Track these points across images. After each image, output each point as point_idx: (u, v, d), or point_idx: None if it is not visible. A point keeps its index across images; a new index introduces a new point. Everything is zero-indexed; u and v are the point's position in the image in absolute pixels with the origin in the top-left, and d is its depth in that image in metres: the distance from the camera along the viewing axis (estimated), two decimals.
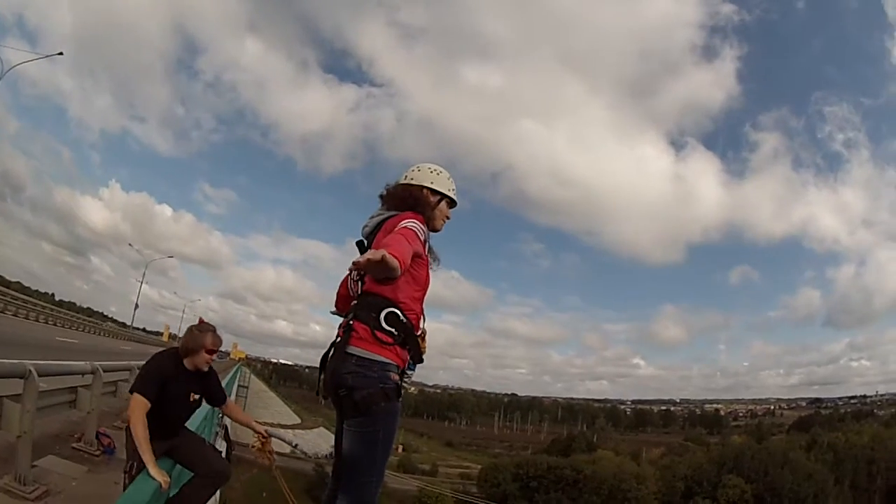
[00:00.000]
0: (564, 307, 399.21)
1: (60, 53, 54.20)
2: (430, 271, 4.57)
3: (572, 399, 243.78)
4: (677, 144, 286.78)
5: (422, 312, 4.48)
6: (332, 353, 4.31)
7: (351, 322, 4.22)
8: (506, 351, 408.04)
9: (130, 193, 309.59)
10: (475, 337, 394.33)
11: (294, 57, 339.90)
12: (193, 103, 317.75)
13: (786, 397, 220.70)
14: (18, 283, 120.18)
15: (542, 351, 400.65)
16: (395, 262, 3.25)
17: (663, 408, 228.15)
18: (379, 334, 4.13)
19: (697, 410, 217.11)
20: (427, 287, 4.48)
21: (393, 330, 4.17)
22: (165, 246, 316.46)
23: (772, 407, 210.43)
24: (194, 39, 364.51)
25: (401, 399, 4.28)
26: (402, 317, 4.21)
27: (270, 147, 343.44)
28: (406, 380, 4.43)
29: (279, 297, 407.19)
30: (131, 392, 5.34)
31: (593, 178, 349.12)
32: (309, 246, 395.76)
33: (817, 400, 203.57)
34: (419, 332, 4.41)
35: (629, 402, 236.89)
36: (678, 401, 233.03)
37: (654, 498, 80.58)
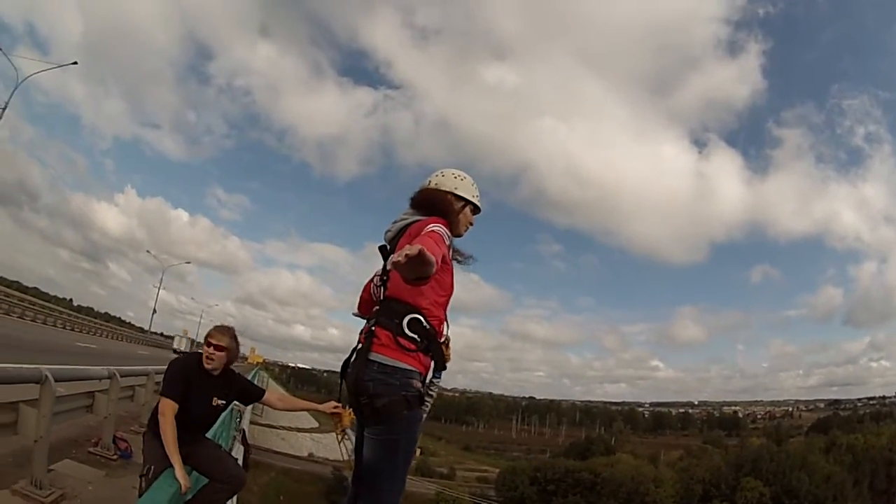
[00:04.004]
0: (580, 309, 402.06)
1: (75, 63, 53.54)
2: (461, 270, 4.54)
3: (590, 402, 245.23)
4: (699, 142, 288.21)
5: (445, 318, 4.40)
6: (353, 359, 4.26)
7: (373, 328, 4.15)
8: (524, 354, 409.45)
9: (146, 199, 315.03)
10: (493, 340, 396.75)
11: (308, 60, 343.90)
12: (205, 108, 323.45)
13: (804, 399, 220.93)
14: (36, 289, 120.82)
15: (560, 353, 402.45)
16: (433, 258, 3.10)
17: (681, 410, 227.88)
18: (402, 341, 4.06)
19: (716, 413, 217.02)
20: (451, 293, 4.41)
21: (416, 336, 4.10)
22: (182, 250, 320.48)
23: (790, 409, 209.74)
24: (205, 45, 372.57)
25: (425, 407, 4.23)
26: (425, 323, 4.14)
27: (286, 152, 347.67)
28: (433, 389, 4.37)
29: (296, 301, 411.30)
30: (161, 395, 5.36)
31: (613, 178, 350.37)
32: (325, 250, 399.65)
33: (836, 402, 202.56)
34: (443, 339, 4.33)
35: (647, 405, 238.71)
36: (696, 403, 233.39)
37: (672, 501, 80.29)
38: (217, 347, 5.49)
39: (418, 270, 3.12)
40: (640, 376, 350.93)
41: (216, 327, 5.64)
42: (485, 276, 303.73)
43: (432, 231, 3.95)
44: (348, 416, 4.95)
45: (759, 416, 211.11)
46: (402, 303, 4.15)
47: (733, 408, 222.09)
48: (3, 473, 8.01)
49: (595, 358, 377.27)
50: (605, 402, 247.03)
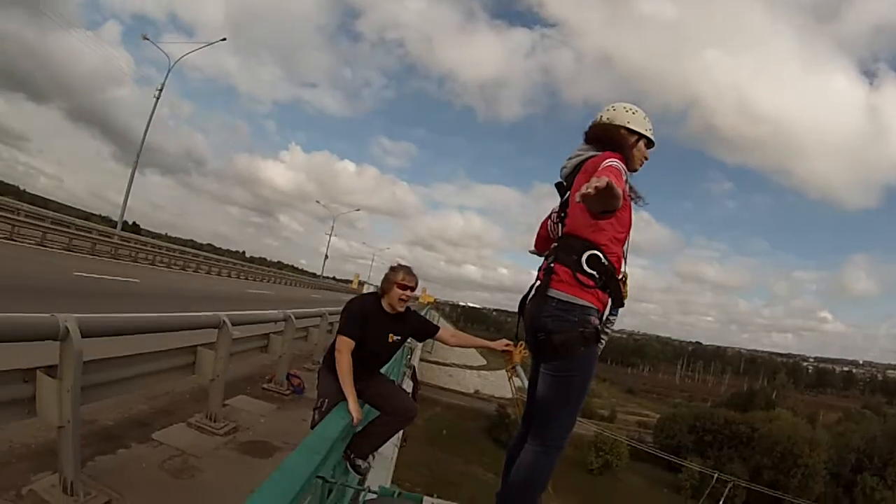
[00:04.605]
0: (752, 252, 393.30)
1: (224, 39, 56.55)
2: (634, 211, 4.37)
3: (755, 351, 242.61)
4: (869, 72, 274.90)
5: (624, 255, 4.29)
6: (531, 295, 4.33)
7: (552, 264, 4.19)
8: (693, 297, 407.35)
9: (311, 153, 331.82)
10: (663, 281, 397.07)
11: (458, 6, 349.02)
12: (360, 64, 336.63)
13: None
14: (210, 245, 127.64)
15: (729, 298, 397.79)
16: (619, 191, 3.11)
17: (845, 369, 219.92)
18: (580, 277, 4.06)
19: (879, 375, 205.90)
20: (630, 229, 4.29)
21: (594, 273, 4.07)
22: (351, 199, 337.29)
23: None
24: (351, 5, 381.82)
25: (601, 344, 4.21)
26: (603, 259, 4.10)
27: (448, 98, 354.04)
28: (609, 327, 4.32)
29: (467, 242, 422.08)
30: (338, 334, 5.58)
31: (783, 112, 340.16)
32: (494, 191, 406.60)
33: None
34: (620, 276, 4.26)
35: (812, 360, 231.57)
36: (861, 363, 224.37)
37: (824, 467, 77.92)
38: (412, 290, 5.64)
39: (606, 203, 3.21)
40: (808, 327, 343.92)
41: (407, 270, 5.69)
42: (655, 215, 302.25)
43: (611, 165, 3.79)
44: (519, 353, 5.09)
45: None
46: (581, 239, 4.14)
47: None
48: (180, 408, 9.02)
49: (764, 305, 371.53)
50: (770, 353, 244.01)
